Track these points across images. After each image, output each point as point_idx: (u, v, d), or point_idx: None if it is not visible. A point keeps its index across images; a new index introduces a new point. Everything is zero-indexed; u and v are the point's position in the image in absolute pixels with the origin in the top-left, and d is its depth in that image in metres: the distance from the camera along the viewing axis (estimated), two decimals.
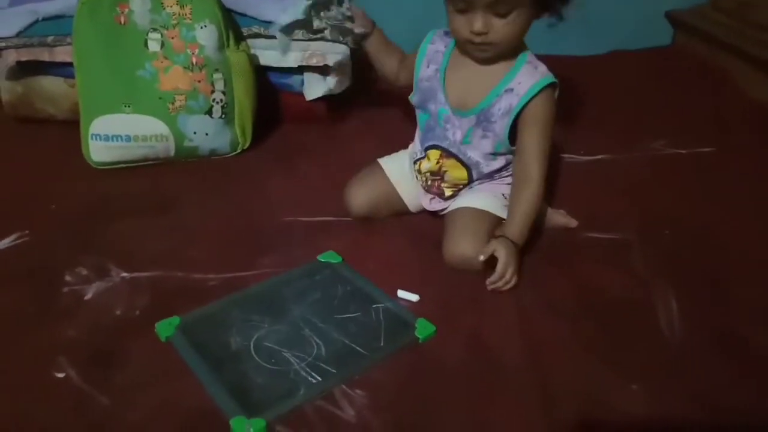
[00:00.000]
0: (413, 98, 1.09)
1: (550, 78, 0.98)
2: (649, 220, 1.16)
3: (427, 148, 1.08)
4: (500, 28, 0.92)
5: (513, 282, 0.95)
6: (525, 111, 0.98)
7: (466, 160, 1.05)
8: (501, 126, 1.00)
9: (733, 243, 1.11)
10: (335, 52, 1.46)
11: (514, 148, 1.02)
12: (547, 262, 1.04)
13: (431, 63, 1.05)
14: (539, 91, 0.96)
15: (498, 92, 0.99)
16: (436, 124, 1.06)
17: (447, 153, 1.06)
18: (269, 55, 1.44)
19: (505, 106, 0.98)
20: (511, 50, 0.98)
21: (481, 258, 0.95)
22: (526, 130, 0.99)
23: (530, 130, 0.98)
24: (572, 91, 1.70)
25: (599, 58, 2.02)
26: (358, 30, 1.14)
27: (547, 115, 0.98)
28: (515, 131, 1.00)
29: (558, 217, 1.13)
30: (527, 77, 0.97)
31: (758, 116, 1.64)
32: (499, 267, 0.94)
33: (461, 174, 1.07)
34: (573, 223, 1.13)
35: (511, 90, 0.98)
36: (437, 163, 1.07)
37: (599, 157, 1.41)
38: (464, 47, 0.99)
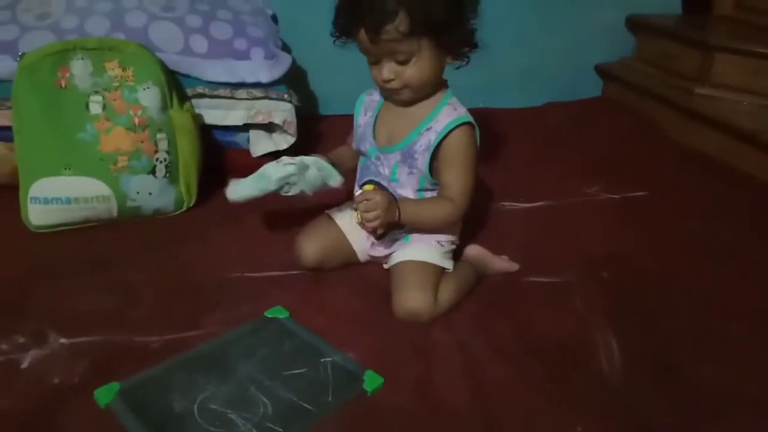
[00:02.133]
0: (354, 144, 1.16)
1: (466, 118, 1.04)
2: (588, 263, 1.21)
3: (363, 184, 1.14)
4: (404, 73, 1.00)
5: (372, 217, 0.99)
6: (442, 147, 1.04)
7: (397, 197, 1.08)
8: (423, 161, 1.05)
9: (666, 280, 1.17)
10: (281, 110, 1.49)
11: (437, 182, 1.07)
12: (490, 307, 1.07)
13: (368, 111, 1.14)
14: (454, 128, 1.03)
15: (420, 131, 1.05)
16: (370, 162, 1.13)
17: (380, 186, 1.11)
18: (214, 114, 1.46)
19: (425, 142, 1.04)
20: (431, 93, 1.06)
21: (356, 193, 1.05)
22: (444, 167, 1.05)
23: (448, 168, 1.05)
24: (510, 141, 1.78)
25: (534, 110, 2.12)
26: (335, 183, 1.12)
27: (464, 151, 1.04)
28: (435, 167, 1.06)
29: (499, 263, 1.16)
30: (445, 117, 1.04)
31: (686, 160, 1.75)
32: (370, 203, 0.98)
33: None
34: (514, 267, 1.17)
35: (430, 128, 1.04)
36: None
37: (538, 204, 1.46)
38: (386, 94, 1.08)
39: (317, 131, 1.78)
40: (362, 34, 0.97)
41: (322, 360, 0.92)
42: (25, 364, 0.90)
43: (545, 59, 2.17)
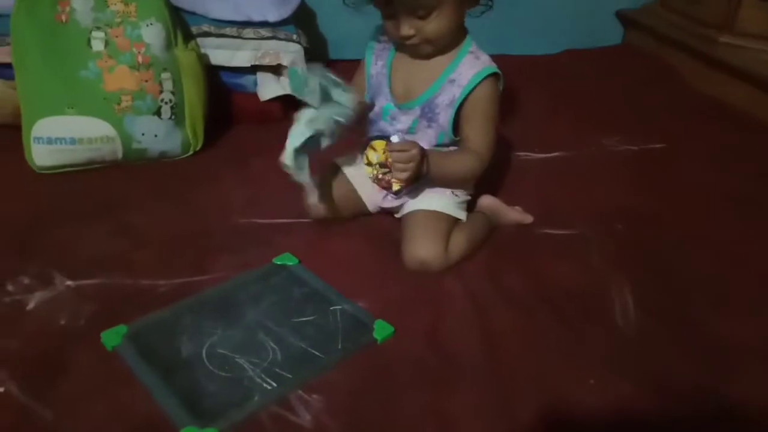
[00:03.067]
0: (367, 97, 1.09)
1: (491, 68, 0.99)
2: (603, 215, 1.18)
3: (373, 138, 1.08)
4: (425, 28, 0.94)
5: (404, 169, 0.93)
6: (467, 102, 0.99)
7: None
8: (445, 117, 1.01)
9: (684, 234, 1.14)
10: (289, 51, 1.44)
11: (457, 139, 1.03)
12: (503, 257, 1.05)
13: (379, 59, 1.06)
14: (480, 81, 0.98)
15: (441, 83, 1.00)
16: (379, 118, 1.07)
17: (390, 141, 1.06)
18: (220, 55, 1.41)
19: (449, 97, 0.99)
20: (452, 42, 1.00)
21: (394, 139, 0.95)
22: (469, 122, 1.00)
23: (472, 123, 1.00)
24: (527, 89, 1.72)
25: (553, 57, 2.05)
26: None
27: (489, 105, 1.00)
28: (459, 122, 1.01)
29: (513, 214, 1.13)
30: (468, 68, 0.99)
31: (706, 110, 1.69)
32: (405, 155, 0.93)
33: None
34: (528, 219, 1.14)
35: (453, 81, 0.99)
36: (384, 152, 1.07)
37: (553, 154, 1.42)
38: (402, 47, 1.01)
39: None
40: None
41: (331, 308, 0.91)
42: (31, 306, 0.90)
43: (564, 4, 2.08)
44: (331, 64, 1.80)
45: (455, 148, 1.05)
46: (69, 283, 0.94)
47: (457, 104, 0.99)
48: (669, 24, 2.02)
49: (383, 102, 1.06)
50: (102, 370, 0.79)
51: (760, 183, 1.32)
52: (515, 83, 1.74)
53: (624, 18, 2.19)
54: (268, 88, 1.47)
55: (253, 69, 1.46)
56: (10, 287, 0.93)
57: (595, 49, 2.12)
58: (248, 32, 1.40)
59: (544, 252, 1.07)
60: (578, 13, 2.12)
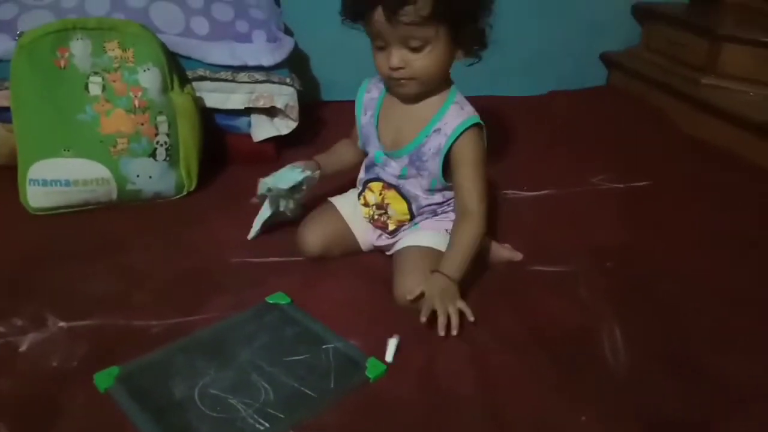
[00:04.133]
0: (360, 144, 1.13)
1: (475, 118, 1.01)
2: (592, 252, 1.20)
3: (368, 181, 1.11)
4: (415, 62, 0.95)
5: (455, 317, 0.92)
6: (453, 150, 1.01)
7: (405, 193, 1.07)
8: (434, 165, 1.02)
9: (673, 271, 1.16)
10: (282, 94, 1.47)
11: (450, 184, 1.05)
12: (494, 295, 1.06)
13: (368, 110, 1.09)
14: (464, 131, 0.99)
15: (427, 132, 1.02)
16: (372, 163, 1.10)
17: (387, 185, 1.09)
18: (215, 98, 1.44)
19: (435, 145, 1.01)
20: (437, 89, 1.02)
21: (409, 297, 0.96)
22: (459, 169, 1.02)
23: (462, 170, 1.01)
24: (514, 129, 1.76)
25: (539, 98, 2.10)
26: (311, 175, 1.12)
27: (476, 153, 1.01)
28: (448, 169, 1.03)
29: (503, 252, 1.15)
30: (454, 117, 1.00)
31: (691, 149, 1.73)
32: (426, 303, 0.93)
33: (402, 207, 1.09)
34: (518, 256, 1.15)
35: (439, 130, 1.01)
36: (380, 194, 1.09)
37: (542, 192, 1.45)
38: (389, 85, 1.03)
39: (319, 117, 1.76)
40: (377, 13, 0.91)
41: (323, 346, 0.91)
42: (23, 347, 0.89)
43: (550, 47, 2.15)
44: (324, 106, 1.86)
45: (449, 192, 1.07)
46: (62, 324, 0.94)
47: (443, 153, 1.01)
48: (653, 65, 2.08)
49: (374, 149, 1.09)
50: (94, 412, 0.79)
51: (747, 222, 1.35)
52: (502, 123, 1.78)
53: (608, 60, 2.25)
54: (262, 129, 1.50)
55: (247, 111, 1.49)
56: (2, 329, 0.93)
57: (581, 90, 2.17)
58: (242, 76, 1.43)
59: (535, 289, 1.08)
60: (563, 56, 2.18)
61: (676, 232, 1.30)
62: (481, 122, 1.02)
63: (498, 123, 1.75)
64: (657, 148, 1.74)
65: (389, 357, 0.89)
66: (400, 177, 1.07)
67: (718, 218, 1.36)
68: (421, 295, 0.95)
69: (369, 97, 1.10)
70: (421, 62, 0.95)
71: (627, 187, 1.49)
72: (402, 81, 0.98)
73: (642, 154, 1.69)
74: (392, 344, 0.90)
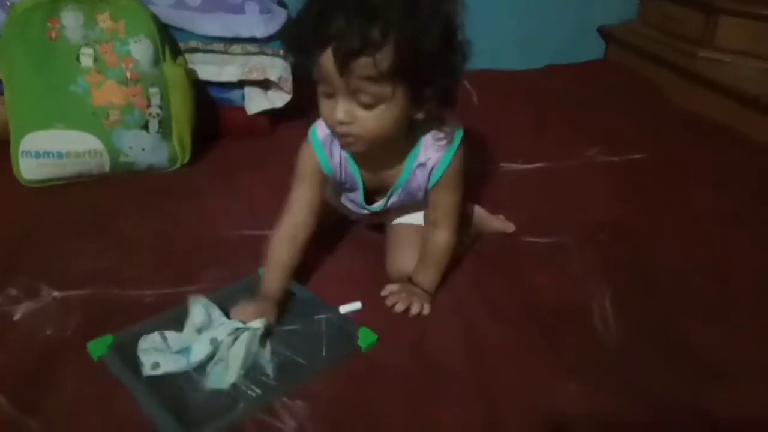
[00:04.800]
0: (328, 194, 1.01)
1: (457, 139, 0.90)
2: (585, 225, 1.20)
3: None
4: (365, 120, 0.79)
5: (416, 310, 0.93)
6: (440, 178, 0.93)
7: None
8: (424, 190, 0.95)
9: (664, 244, 1.16)
10: (276, 66, 1.46)
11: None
12: (486, 266, 1.06)
13: (334, 153, 0.93)
14: (452, 157, 0.91)
15: (409, 170, 0.92)
16: (355, 206, 1.04)
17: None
18: (208, 70, 1.43)
19: (422, 179, 0.93)
20: (396, 137, 0.86)
21: (382, 293, 0.97)
22: (439, 192, 0.94)
23: (443, 193, 0.94)
24: (510, 103, 1.75)
25: (535, 72, 2.09)
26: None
27: (460, 173, 0.93)
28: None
29: (495, 222, 1.15)
30: (434, 149, 0.90)
31: (685, 123, 1.73)
32: (391, 297, 0.95)
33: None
34: (510, 227, 1.16)
35: (423, 164, 0.91)
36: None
37: (536, 165, 1.45)
38: (336, 137, 0.87)
39: (314, 90, 1.75)
40: (326, 57, 0.75)
41: (316, 317, 0.92)
42: (17, 317, 0.90)
43: (547, 20, 2.13)
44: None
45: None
46: (55, 294, 0.95)
47: (431, 184, 0.93)
48: (649, 39, 2.07)
49: (356, 195, 0.99)
50: (88, 380, 0.80)
51: (740, 195, 1.35)
52: (498, 97, 1.77)
53: (605, 33, 2.24)
54: (256, 102, 1.50)
55: (241, 84, 1.48)
56: None
57: (578, 64, 2.16)
58: (235, 48, 1.42)
59: (527, 260, 1.09)
60: (560, 29, 2.17)
61: (670, 205, 1.30)
62: (461, 133, 0.91)
63: (494, 97, 1.74)
64: (652, 121, 1.73)
65: (343, 309, 0.93)
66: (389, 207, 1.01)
67: (711, 192, 1.36)
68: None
69: (326, 139, 0.92)
70: (371, 122, 0.79)
71: (622, 160, 1.49)
72: (346, 137, 0.83)
73: (637, 128, 1.68)
74: (354, 306, 0.93)
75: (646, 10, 2.15)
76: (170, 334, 0.83)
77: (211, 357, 0.81)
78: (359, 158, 0.93)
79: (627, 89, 1.95)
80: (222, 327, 0.82)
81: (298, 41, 0.80)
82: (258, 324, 0.83)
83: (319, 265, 1.05)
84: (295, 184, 0.95)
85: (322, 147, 0.92)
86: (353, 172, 0.94)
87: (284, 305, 0.92)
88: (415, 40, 0.74)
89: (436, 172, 0.91)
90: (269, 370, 0.81)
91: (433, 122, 0.87)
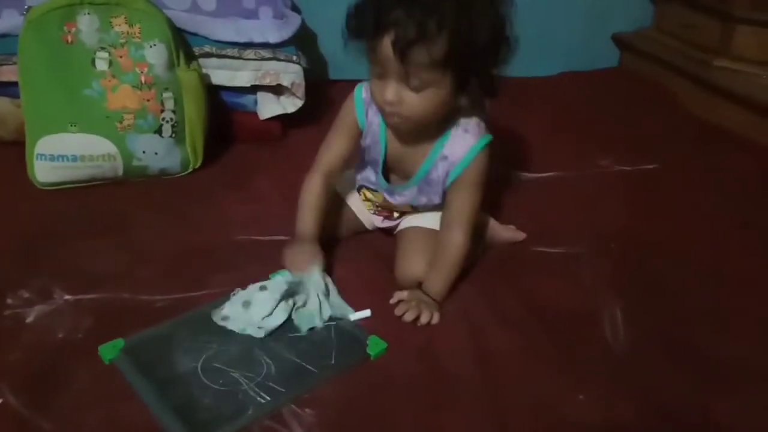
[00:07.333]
0: (363, 141, 1.04)
1: (483, 140, 0.94)
2: (596, 234, 1.20)
3: (358, 188, 1.09)
4: (412, 101, 0.85)
5: (426, 319, 0.93)
6: (460, 175, 0.96)
7: (395, 201, 1.07)
8: (442, 187, 0.99)
9: (676, 254, 1.15)
10: (289, 72, 1.47)
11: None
12: (496, 275, 1.06)
13: (368, 135, 1.01)
14: (474, 156, 0.94)
15: (433, 159, 0.96)
16: (378, 186, 1.07)
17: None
18: (221, 75, 1.44)
19: (442, 172, 0.96)
20: (439, 122, 0.93)
21: (391, 301, 0.96)
22: (458, 192, 0.97)
23: (461, 193, 0.97)
24: (524, 110, 1.75)
25: (549, 79, 2.08)
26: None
27: (480, 176, 0.96)
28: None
29: (506, 232, 1.15)
30: (459, 144, 0.94)
31: (700, 132, 1.72)
32: (401, 306, 0.95)
33: (407, 207, 1.09)
34: (521, 236, 1.15)
35: (446, 158, 0.95)
36: (383, 199, 1.09)
37: (548, 174, 1.44)
38: (383, 115, 0.93)
39: (326, 96, 1.75)
40: (384, 44, 0.81)
41: (326, 324, 0.92)
42: (30, 319, 0.91)
43: (562, 28, 2.12)
44: (331, 84, 1.85)
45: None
46: (68, 297, 0.95)
47: (450, 179, 0.96)
48: (664, 47, 2.05)
49: (377, 176, 1.03)
50: (99, 382, 0.80)
51: (756, 206, 1.34)
52: (512, 103, 1.75)
53: (620, 41, 2.23)
54: (268, 107, 1.50)
55: (254, 89, 1.49)
56: (9, 300, 0.94)
57: (592, 71, 2.15)
58: (249, 53, 1.43)
59: (538, 270, 1.09)
60: (575, 36, 2.16)
61: (682, 215, 1.30)
62: (489, 138, 0.95)
63: (507, 103, 1.72)
64: (667, 130, 1.72)
65: (353, 316, 0.93)
66: (410, 204, 1.05)
67: (725, 203, 1.35)
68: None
69: (369, 122, 0.99)
70: (418, 103, 0.85)
71: (634, 170, 1.48)
72: (393, 117, 0.89)
73: (651, 137, 1.67)
74: (364, 313, 0.94)
75: (661, 18, 2.14)
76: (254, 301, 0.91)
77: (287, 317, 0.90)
78: (389, 148, 0.99)
79: (641, 97, 1.94)
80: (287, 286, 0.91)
81: (358, 29, 0.86)
82: (316, 269, 0.94)
83: (330, 271, 1.05)
84: (331, 133, 1.03)
85: (363, 104, 0.99)
86: (381, 138, 0.99)
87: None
88: (467, 33, 0.80)
89: (456, 168, 0.94)
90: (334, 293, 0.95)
91: (472, 111, 0.92)
